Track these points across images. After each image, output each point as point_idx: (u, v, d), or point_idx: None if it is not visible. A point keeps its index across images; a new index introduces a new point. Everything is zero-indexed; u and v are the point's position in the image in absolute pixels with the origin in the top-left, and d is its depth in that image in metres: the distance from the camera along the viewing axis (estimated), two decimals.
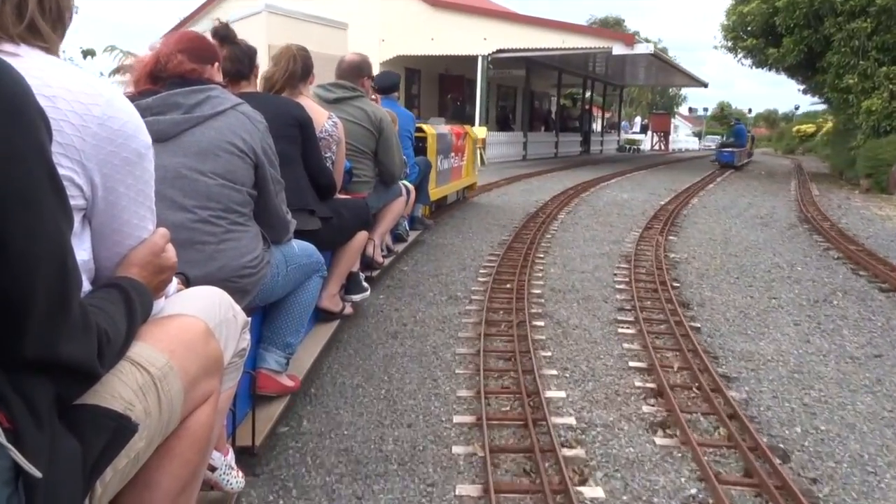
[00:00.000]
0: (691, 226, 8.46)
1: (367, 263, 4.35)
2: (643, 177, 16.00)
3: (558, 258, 6.28)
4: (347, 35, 7.70)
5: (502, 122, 23.01)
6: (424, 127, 7.17)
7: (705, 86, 29.28)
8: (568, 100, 28.51)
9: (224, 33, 2.85)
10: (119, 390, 1.14)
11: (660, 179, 15.21)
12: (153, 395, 1.18)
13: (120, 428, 1.10)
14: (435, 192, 7.38)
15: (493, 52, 17.65)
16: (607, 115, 32.91)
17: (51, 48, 1.17)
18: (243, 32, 3.25)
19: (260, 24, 6.67)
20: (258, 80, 3.22)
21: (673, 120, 42.06)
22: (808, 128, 37.98)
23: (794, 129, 38.53)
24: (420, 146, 6.67)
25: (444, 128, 8.32)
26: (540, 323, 4.18)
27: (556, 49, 17.07)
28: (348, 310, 3.72)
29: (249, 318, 1.65)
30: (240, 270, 2.21)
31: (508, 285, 4.99)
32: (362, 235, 3.62)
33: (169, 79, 2.11)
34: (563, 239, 7.33)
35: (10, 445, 0.86)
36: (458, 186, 8.96)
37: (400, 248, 5.61)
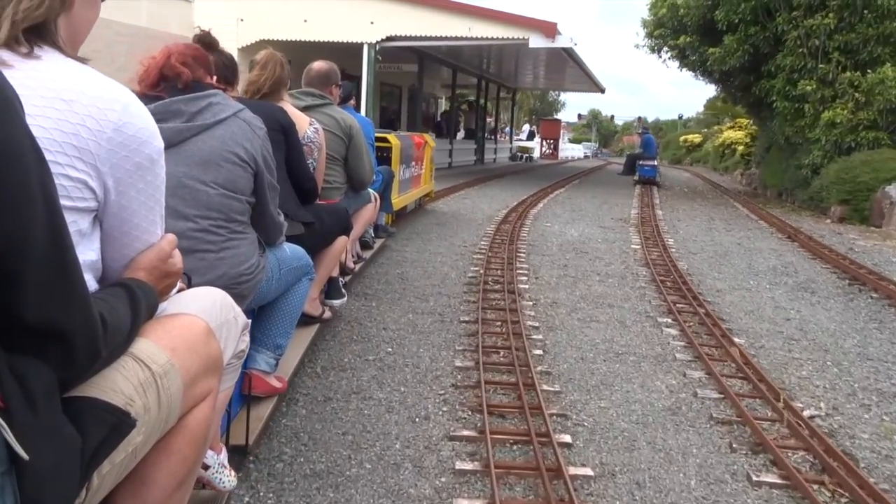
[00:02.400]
0: (727, 304, 5.59)
1: (340, 269, 4.25)
2: (568, 198, 13.18)
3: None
4: (193, 11, 7.14)
5: (387, 127, 19.57)
6: (389, 137, 7.37)
7: (602, 91, 27.28)
8: (465, 103, 25.49)
9: (208, 41, 2.79)
10: (120, 385, 1.15)
11: (591, 202, 12.46)
12: (153, 392, 1.20)
13: (119, 423, 1.12)
14: (398, 201, 7.55)
15: (382, 41, 14.25)
16: (489, 119, 30.26)
17: (65, 49, 1.18)
18: None
19: None
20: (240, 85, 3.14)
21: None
22: (696, 137, 37.36)
23: (682, 138, 37.81)
24: (384, 155, 6.89)
25: (406, 136, 8.59)
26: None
27: (462, 39, 13.94)
28: (327, 314, 3.81)
29: (249, 321, 1.69)
30: (238, 277, 2.25)
31: None
32: (342, 240, 3.67)
33: (174, 79, 2.12)
34: (559, 373, 4.08)
35: (3, 423, 0.87)
36: (418, 195, 9.21)
37: (367, 254, 5.83)
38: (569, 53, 16.30)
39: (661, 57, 16.31)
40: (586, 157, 43.97)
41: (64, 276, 0.99)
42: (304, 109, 3.79)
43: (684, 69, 16.01)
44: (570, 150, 41.22)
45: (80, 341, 1.02)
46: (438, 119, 24.28)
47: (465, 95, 26.93)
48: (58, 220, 0.98)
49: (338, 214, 3.58)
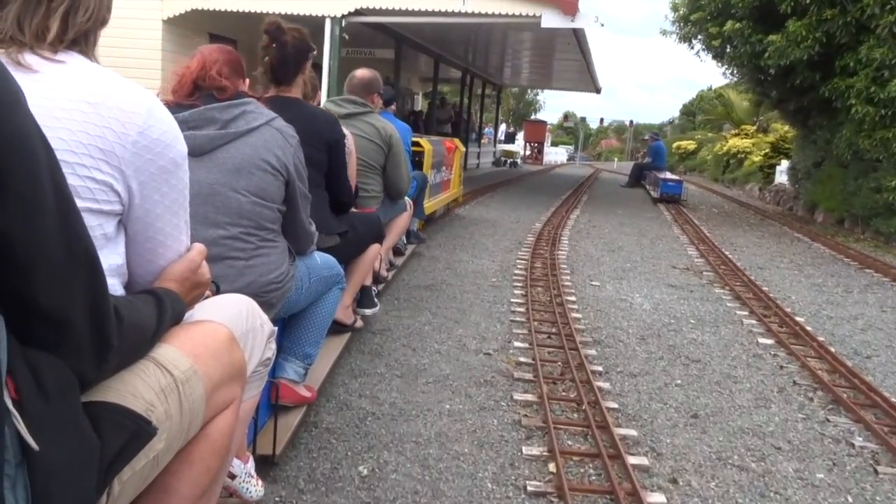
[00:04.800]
0: None
1: (373, 278, 4.20)
2: (592, 226, 10.18)
3: None
4: None
5: None
6: (421, 141, 7.17)
7: (598, 90, 24.33)
8: (440, 100, 22.18)
9: (275, 33, 2.83)
10: (141, 390, 1.14)
11: (625, 235, 9.53)
12: (175, 398, 1.19)
13: (139, 429, 1.11)
14: (429, 206, 7.34)
15: (350, 14, 11.00)
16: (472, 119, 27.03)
17: (90, 54, 1.20)
18: None
19: None
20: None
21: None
22: (689, 144, 34.70)
23: (675, 144, 35.12)
24: (416, 160, 6.63)
25: (437, 140, 8.56)
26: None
27: (452, 14, 10.75)
28: (359, 323, 3.79)
29: (276, 328, 1.68)
30: (267, 286, 2.24)
31: None
32: (375, 248, 3.64)
33: (207, 89, 2.13)
34: None
35: (14, 412, 0.87)
36: (448, 199, 9.10)
37: (399, 261, 5.71)
38: (578, 40, 13.26)
39: (692, 48, 13.33)
40: (570, 160, 41.21)
41: (75, 262, 0.97)
42: (345, 117, 3.76)
43: (723, 64, 13.03)
44: (555, 155, 38.36)
45: (88, 328, 1.01)
46: (411, 118, 20.98)
47: (444, 92, 23.72)
48: (68, 206, 0.97)
49: (370, 223, 3.55)
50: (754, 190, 20.75)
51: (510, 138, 35.26)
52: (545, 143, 34.69)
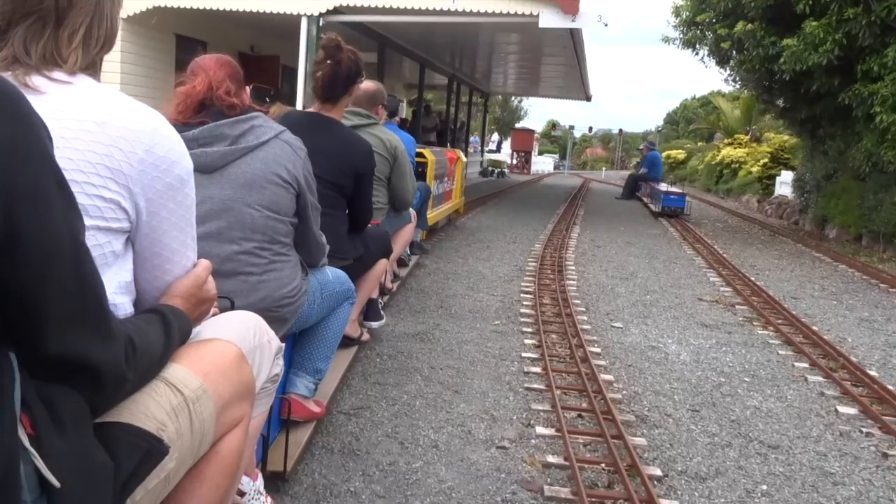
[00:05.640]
0: None
1: (379, 290, 4.24)
2: (597, 246, 9.24)
3: None
4: None
5: None
6: (425, 152, 7.20)
7: (588, 99, 23.47)
8: (425, 107, 21.19)
9: (333, 50, 2.86)
10: (153, 410, 1.15)
11: (635, 258, 8.63)
12: (185, 417, 1.19)
13: (152, 449, 1.11)
14: (432, 216, 7.39)
15: (328, 12, 9.99)
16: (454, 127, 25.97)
17: (97, 74, 1.22)
18: None
19: None
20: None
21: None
22: (679, 153, 33.93)
23: (664, 154, 34.26)
24: (420, 171, 6.65)
25: (440, 151, 8.71)
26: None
27: (440, 13, 9.77)
28: (366, 336, 3.81)
29: (283, 344, 1.66)
30: (280, 300, 2.22)
31: None
32: (383, 263, 3.64)
33: (215, 107, 2.11)
34: None
35: (32, 450, 0.87)
36: (451, 210, 9.13)
37: (403, 272, 5.76)
38: (575, 43, 12.33)
39: (696, 53, 12.43)
40: (557, 170, 40.42)
41: (88, 307, 0.99)
42: (351, 129, 3.62)
43: (730, 70, 12.14)
44: (542, 164, 37.50)
45: (105, 369, 1.02)
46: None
47: (429, 99, 22.75)
48: (81, 255, 0.98)
49: (379, 239, 3.56)
50: (752, 202, 19.90)
51: (498, 147, 34.38)
52: (533, 153, 33.79)
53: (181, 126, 1.85)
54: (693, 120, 66.99)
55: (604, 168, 49.51)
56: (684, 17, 12.23)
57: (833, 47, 9.73)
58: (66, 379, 0.97)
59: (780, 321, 5.48)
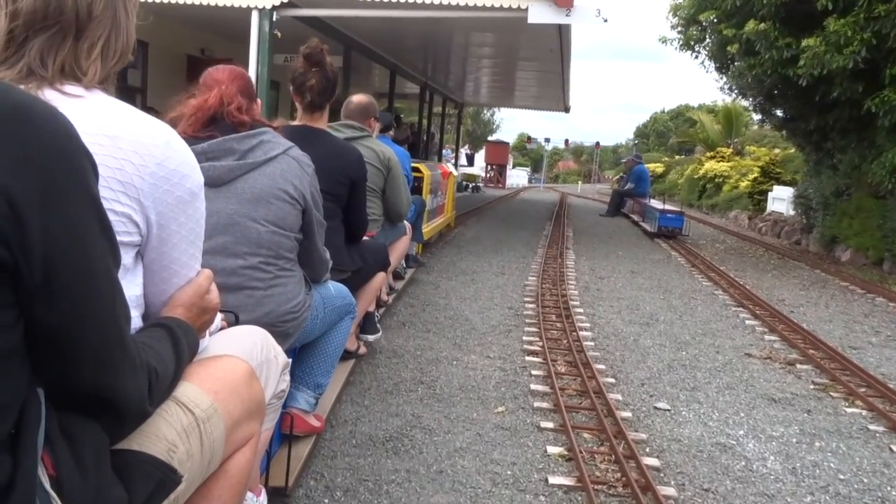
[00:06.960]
0: None
1: (376, 303, 4.22)
2: (599, 278, 7.98)
3: None
4: None
5: None
6: (420, 167, 7.25)
7: (567, 110, 22.35)
8: (407, 119, 19.82)
9: (317, 57, 2.84)
10: (164, 431, 1.14)
11: (647, 294, 7.39)
12: (196, 437, 1.18)
13: (165, 479, 1.10)
14: (427, 230, 7.34)
15: (283, 5, 8.57)
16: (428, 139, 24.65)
17: (110, 88, 1.21)
18: None
19: None
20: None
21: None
22: (658, 167, 33.01)
23: None
24: (415, 185, 6.65)
25: (433, 165, 8.96)
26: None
27: (414, 6, 8.43)
28: (363, 349, 3.86)
29: (290, 360, 1.64)
30: (285, 315, 2.22)
31: None
32: (381, 277, 3.64)
33: (225, 121, 2.11)
34: None
35: (53, 494, 0.87)
36: (443, 224, 9.17)
37: (399, 285, 5.73)
38: (562, 44, 11.07)
39: (696, 56, 11.24)
40: (531, 183, 39.31)
41: (120, 343, 0.99)
42: (338, 138, 3.70)
43: (730, 75, 10.93)
44: (517, 178, 36.40)
45: (132, 405, 1.02)
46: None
47: (400, 109, 21.38)
48: (115, 293, 0.98)
49: (379, 252, 3.57)
50: (742, 218, 18.81)
51: (470, 160, 33.17)
52: (508, 166, 32.64)
53: (190, 139, 1.83)
54: (664, 133, 66.56)
55: (579, 182, 48.67)
56: (683, 14, 11.03)
57: (860, 48, 8.59)
58: (94, 413, 0.97)
59: (863, 389, 4.19)
